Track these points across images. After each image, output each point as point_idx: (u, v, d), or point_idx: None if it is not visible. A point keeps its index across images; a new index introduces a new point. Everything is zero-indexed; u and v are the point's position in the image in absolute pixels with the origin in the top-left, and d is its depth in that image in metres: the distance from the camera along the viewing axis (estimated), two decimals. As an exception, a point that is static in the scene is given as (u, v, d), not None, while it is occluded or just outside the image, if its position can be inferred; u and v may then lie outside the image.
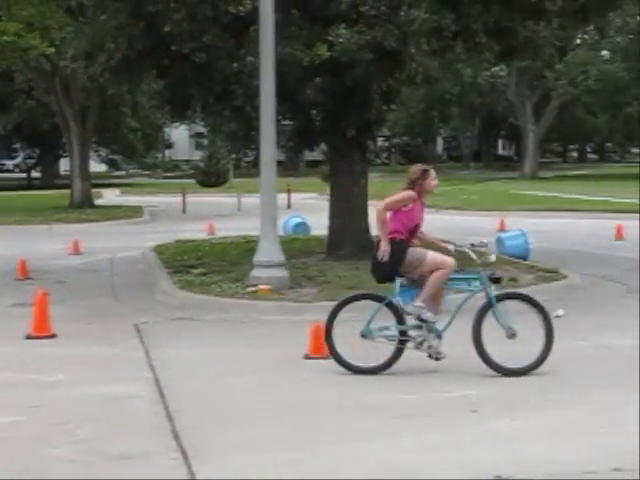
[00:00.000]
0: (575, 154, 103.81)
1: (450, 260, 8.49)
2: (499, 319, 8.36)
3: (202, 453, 6.13)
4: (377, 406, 7.28)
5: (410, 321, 8.47)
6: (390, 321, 8.49)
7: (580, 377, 8.19)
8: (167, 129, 67.07)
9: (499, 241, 17.05)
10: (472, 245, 8.68)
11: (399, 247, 8.41)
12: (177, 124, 59.78)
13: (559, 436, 6.41)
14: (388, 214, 8.54)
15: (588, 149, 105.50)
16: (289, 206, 31.08)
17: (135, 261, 17.38)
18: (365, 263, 14.22)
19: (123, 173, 66.68)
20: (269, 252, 12.53)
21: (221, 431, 6.68)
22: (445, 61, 18.83)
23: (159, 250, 17.45)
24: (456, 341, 9.81)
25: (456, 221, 26.62)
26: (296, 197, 32.61)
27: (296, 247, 16.60)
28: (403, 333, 8.48)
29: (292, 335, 10.05)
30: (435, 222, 25.60)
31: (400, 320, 8.48)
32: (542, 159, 77.61)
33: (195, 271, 14.27)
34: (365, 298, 8.92)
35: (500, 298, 8.45)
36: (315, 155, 29.99)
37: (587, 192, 38.90)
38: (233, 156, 56.86)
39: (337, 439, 6.45)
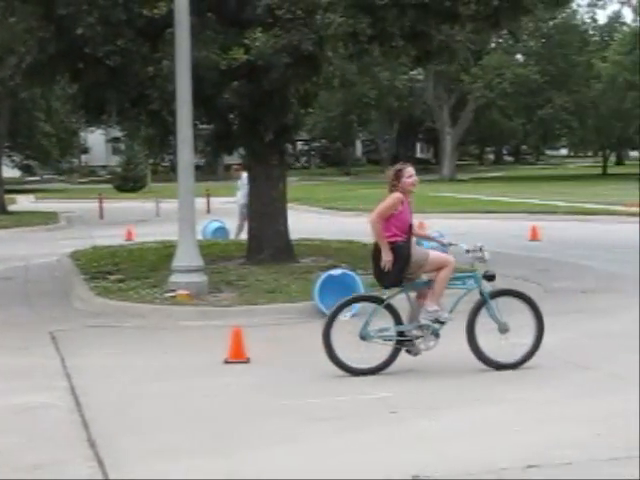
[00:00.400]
0: (492, 156, 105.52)
1: (450, 257, 8.63)
2: (493, 315, 8.56)
3: (119, 461, 6.04)
4: (296, 410, 7.28)
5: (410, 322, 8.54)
6: (388, 322, 8.53)
7: (500, 376, 8.29)
8: (83, 134, 65.97)
9: (418, 243, 17.18)
10: (467, 251, 8.88)
11: (403, 250, 8.41)
12: (93, 129, 58.87)
13: (477, 435, 6.49)
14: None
15: (504, 151, 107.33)
16: (208, 211, 30.85)
17: (51, 268, 17.05)
18: (284, 267, 14.32)
19: (38, 179, 65.42)
20: (188, 257, 12.43)
21: (138, 439, 6.60)
22: (362, 65, 19.00)
23: (75, 256, 17.14)
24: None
25: (375, 224, 26.76)
26: (215, 201, 32.38)
27: (215, 252, 16.49)
28: (401, 334, 8.53)
29: (211, 340, 9.99)
30: (354, 225, 25.91)
31: (398, 321, 8.54)
32: (459, 161, 78.72)
33: (112, 277, 14.05)
34: (364, 300, 9.01)
35: (493, 295, 8.65)
36: (234, 159, 29.84)
37: (504, 194, 39.56)
38: (151, 161, 56.25)
39: (256, 444, 6.43)
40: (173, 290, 12.22)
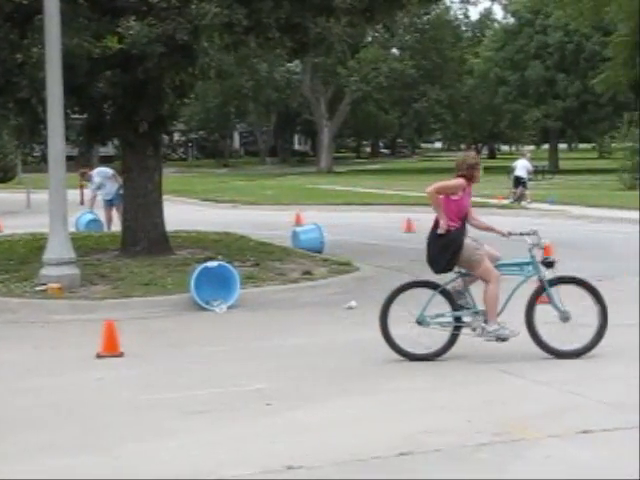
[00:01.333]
0: (368, 149, 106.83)
1: (496, 273, 8.58)
2: (553, 303, 8.54)
3: (-11, 461, 5.85)
4: (172, 403, 7.19)
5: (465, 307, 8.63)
6: (445, 308, 8.58)
7: (371, 366, 8.40)
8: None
9: (294, 235, 17.28)
10: (521, 234, 8.92)
11: (456, 237, 8.52)
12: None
13: (351, 425, 6.55)
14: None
15: (380, 144, 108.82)
16: (82, 202, 30.20)
17: None
18: (160, 259, 14.15)
19: None
20: (59, 250, 12.13)
21: (9, 436, 6.40)
22: (239, 56, 18.87)
23: (-60, 250, 16.51)
24: (264, 334, 9.90)
25: (253, 216, 26.76)
26: (89, 193, 31.67)
27: (89, 244, 16.15)
28: (458, 319, 8.60)
29: (84, 334, 9.79)
30: (231, 217, 25.86)
31: (454, 307, 8.60)
32: (337, 154, 79.47)
33: (-21, 271, 13.59)
34: (420, 286, 8.91)
35: (554, 282, 8.62)
36: (109, 150, 29.33)
37: (380, 186, 40.12)
38: (21, 151, 54.64)
39: (132, 439, 6.33)
40: (44, 284, 11.90)
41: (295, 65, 62.82)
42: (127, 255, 14.54)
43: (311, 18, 14.46)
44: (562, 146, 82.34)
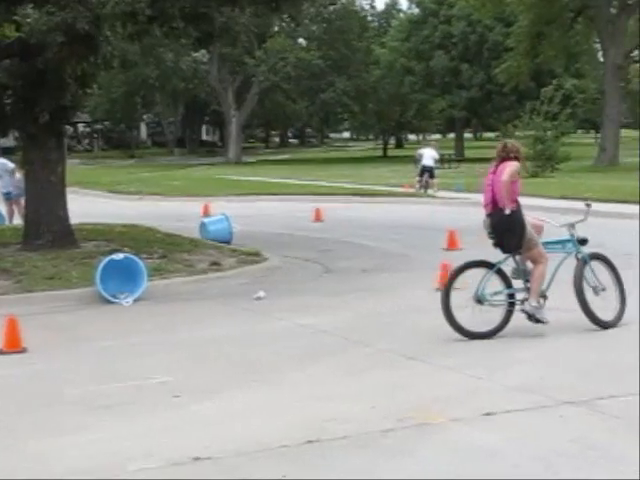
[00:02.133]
0: (277, 139, 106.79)
1: (547, 255, 9.18)
2: (590, 277, 9.24)
3: None
4: (77, 398, 7.08)
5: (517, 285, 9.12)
6: (500, 286, 9.06)
7: (280, 356, 8.41)
8: None
9: (202, 226, 17.18)
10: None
11: (521, 219, 9.03)
12: None
13: (259, 414, 6.55)
14: None
15: (289, 134, 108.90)
16: (-16, 196, 29.47)
17: None
18: (64, 252, 13.88)
19: None
20: (-42, 244, 11.81)
21: None
22: (144, 45, 18.64)
23: None
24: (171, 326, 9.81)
25: (161, 207, 26.51)
26: (-9, 186, 30.90)
27: (-10, 238, 15.77)
28: (511, 296, 9.05)
29: (-15, 331, 9.54)
30: (139, 208, 25.55)
31: (508, 284, 9.08)
32: (245, 144, 79.16)
33: None
34: (476, 266, 9.24)
35: (591, 258, 9.37)
36: (7, 142, 28.60)
37: (289, 176, 40.15)
38: None
39: (39, 436, 6.21)
40: (-57, 279, 11.58)
41: (202, 55, 62.24)
42: (30, 249, 14.23)
43: (216, 8, 14.34)
44: (467, 135, 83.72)
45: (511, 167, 9.01)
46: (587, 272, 9.24)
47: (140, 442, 6.01)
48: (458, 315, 8.79)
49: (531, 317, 8.96)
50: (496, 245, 9.18)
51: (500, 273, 9.10)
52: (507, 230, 9.00)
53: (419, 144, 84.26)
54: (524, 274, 9.15)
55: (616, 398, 6.59)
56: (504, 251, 9.17)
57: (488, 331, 8.85)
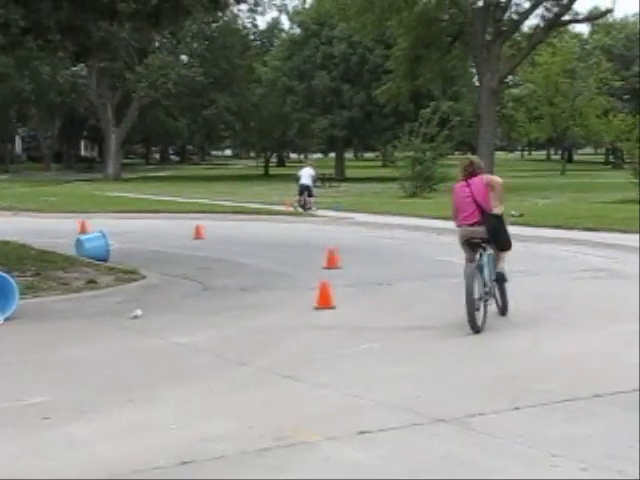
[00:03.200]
0: (158, 155, 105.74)
1: None
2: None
3: None
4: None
5: None
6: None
7: (155, 375, 8.29)
8: None
9: (79, 243, 16.84)
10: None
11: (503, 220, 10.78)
12: None
13: (132, 435, 6.43)
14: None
15: (170, 151, 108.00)
16: None
17: None
18: None
19: None
20: None
21: None
22: (19, 58, 18.19)
23: None
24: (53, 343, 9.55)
25: (35, 223, 25.84)
26: None
27: None
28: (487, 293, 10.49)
29: None
30: (13, 224, 24.83)
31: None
32: (125, 160, 78.13)
33: None
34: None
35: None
36: None
37: (170, 193, 39.81)
38: None
39: None
40: None
41: (80, 68, 61.20)
42: None
43: (93, 21, 14.17)
44: (348, 155, 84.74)
45: (499, 187, 10.68)
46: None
47: (9, 465, 5.81)
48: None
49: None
50: (479, 246, 10.41)
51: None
52: (501, 229, 10.57)
53: (301, 163, 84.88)
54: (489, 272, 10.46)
55: (486, 415, 6.74)
56: (507, 248, 10.73)
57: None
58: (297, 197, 29.68)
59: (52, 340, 10.04)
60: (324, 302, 11.59)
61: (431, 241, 20.41)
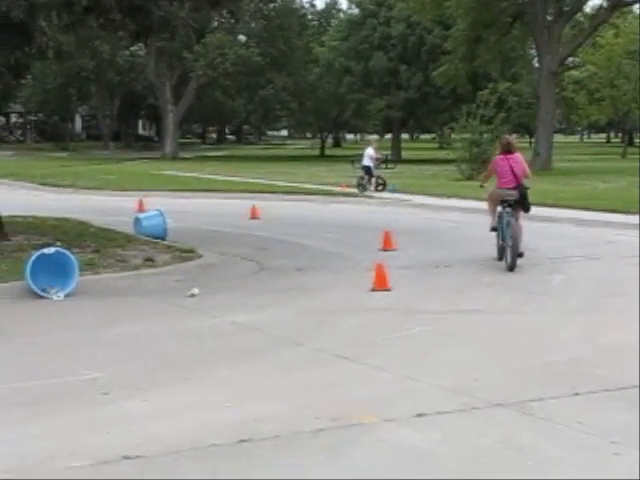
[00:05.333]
0: (214, 135, 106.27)
1: None
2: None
3: None
4: (2, 395, 6.91)
5: None
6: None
7: (211, 354, 8.34)
8: None
9: (137, 221, 16.99)
10: None
11: None
12: None
13: (190, 412, 6.48)
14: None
15: (227, 130, 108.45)
16: None
17: None
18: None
19: None
20: None
21: None
22: (80, 37, 18.35)
23: None
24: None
25: (94, 201, 26.18)
26: None
27: None
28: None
29: None
30: (72, 202, 25.19)
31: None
32: (182, 140, 78.66)
33: None
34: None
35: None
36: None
37: (226, 172, 39.97)
38: None
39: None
40: None
41: (139, 48, 61.63)
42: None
43: (154, 1, 14.20)
44: (404, 136, 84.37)
45: (524, 161, 14.07)
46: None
47: (66, 440, 5.89)
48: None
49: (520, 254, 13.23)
50: (511, 206, 13.59)
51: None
52: (527, 195, 13.70)
53: (357, 144, 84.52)
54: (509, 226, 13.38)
55: (545, 401, 6.67)
56: (524, 210, 13.76)
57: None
58: (367, 179, 29.60)
59: (110, 317, 10.16)
60: (380, 284, 11.56)
61: (488, 224, 20.16)
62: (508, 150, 13.93)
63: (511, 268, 13.11)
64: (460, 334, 9.13)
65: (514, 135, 36.43)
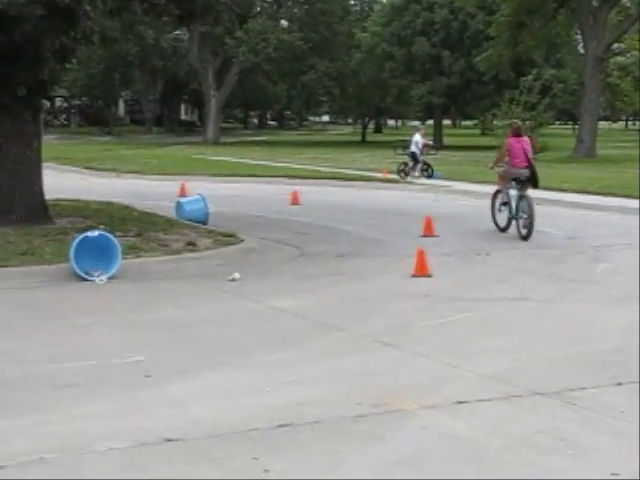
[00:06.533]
0: (256, 120, 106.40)
1: None
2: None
3: None
4: (43, 376, 7.00)
5: None
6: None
7: (252, 338, 8.38)
8: None
9: (179, 206, 17.09)
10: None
11: None
12: None
13: (231, 396, 6.51)
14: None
15: (268, 116, 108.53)
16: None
17: None
18: (38, 228, 13.76)
19: None
20: None
21: None
22: (124, 22, 18.43)
23: None
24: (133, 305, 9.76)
25: (137, 185, 26.36)
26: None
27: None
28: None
29: None
30: (115, 185, 25.40)
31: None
32: (224, 124, 78.88)
33: None
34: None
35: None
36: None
37: (267, 158, 40.04)
38: None
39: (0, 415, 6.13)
40: None
41: (182, 33, 61.81)
42: (3, 224, 14.07)
43: (198, -14, 14.23)
44: (446, 122, 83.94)
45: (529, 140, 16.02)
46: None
47: (109, 422, 5.95)
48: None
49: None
50: (523, 183, 15.51)
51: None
52: (536, 172, 15.51)
53: (398, 130, 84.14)
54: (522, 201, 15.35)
55: (586, 390, 6.62)
56: (533, 186, 15.58)
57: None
58: (413, 166, 29.54)
59: (152, 300, 10.24)
60: (421, 270, 11.53)
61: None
62: (519, 134, 15.85)
63: (526, 237, 14.90)
64: (501, 322, 9.08)
65: (557, 122, 36.03)
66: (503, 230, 15.81)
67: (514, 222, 15.54)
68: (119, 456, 5.32)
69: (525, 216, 15.06)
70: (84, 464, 5.20)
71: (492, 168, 16.86)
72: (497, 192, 16.33)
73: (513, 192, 15.70)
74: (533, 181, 15.54)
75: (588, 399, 6.39)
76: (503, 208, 15.89)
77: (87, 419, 5.99)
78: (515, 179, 15.60)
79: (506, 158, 16.15)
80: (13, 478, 5.00)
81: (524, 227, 15.08)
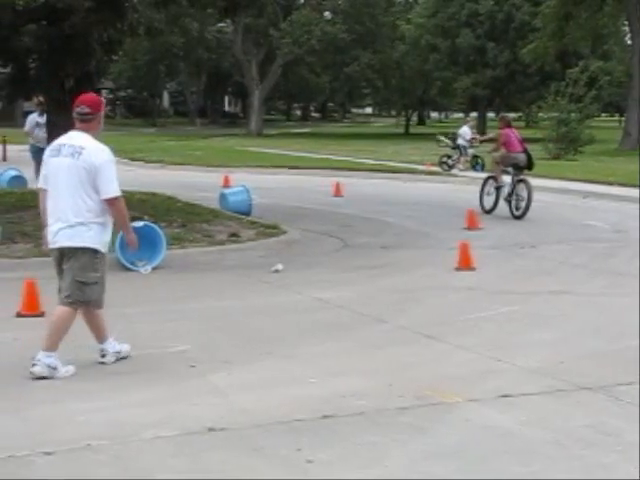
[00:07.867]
0: (299, 112, 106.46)
1: None
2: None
3: None
4: (90, 364, 7.10)
5: None
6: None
7: (295, 329, 8.41)
8: None
9: (222, 197, 17.18)
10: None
11: None
12: None
13: (272, 387, 6.55)
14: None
15: (311, 108, 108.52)
16: (5, 159, 29.57)
17: None
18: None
19: None
20: (-21, 207, 11.84)
21: None
22: (170, 14, 18.57)
23: None
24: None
25: (181, 176, 26.53)
26: (12, 149, 30.96)
27: (11, 201, 15.83)
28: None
29: (4, 293, 9.59)
30: (160, 177, 25.57)
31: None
32: (267, 116, 79.02)
33: None
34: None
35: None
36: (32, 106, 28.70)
37: (310, 150, 40.05)
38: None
39: (47, 400, 6.22)
40: (-37, 241, 11.64)
41: (227, 25, 61.99)
42: (50, 214, 14.24)
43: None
44: (490, 114, 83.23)
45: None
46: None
47: (154, 410, 6.02)
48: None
49: None
50: (521, 168, 17.09)
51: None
52: (532, 157, 17.39)
53: (441, 122, 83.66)
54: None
55: (633, 385, 6.55)
56: (529, 169, 17.25)
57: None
58: (460, 158, 29.37)
59: (196, 290, 10.32)
60: (464, 263, 11.48)
61: (576, 204, 19.88)
62: (509, 125, 17.80)
63: (521, 216, 16.58)
64: (546, 315, 9.02)
65: (603, 115, 35.62)
66: (488, 212, 17.35)
67: (506, 204, 17.04)
68: (165, 444, 5.38)
69: (524, 198, 16.61)
70: (131, 451, 5.27)
71: (490, 153, 19.16)
72: (489, 177, 18.04)
73: (507, 178, 17.34)
74: (529, 164, 17.20)
75: (634, 394, 6.32)
76: (492, 192, 17.55)
77: (134, 407, 6.06)
78: (514, 164, 17.12)
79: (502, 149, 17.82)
80: (60, 464, 5.08)
81: (517, 208, 16.73)
